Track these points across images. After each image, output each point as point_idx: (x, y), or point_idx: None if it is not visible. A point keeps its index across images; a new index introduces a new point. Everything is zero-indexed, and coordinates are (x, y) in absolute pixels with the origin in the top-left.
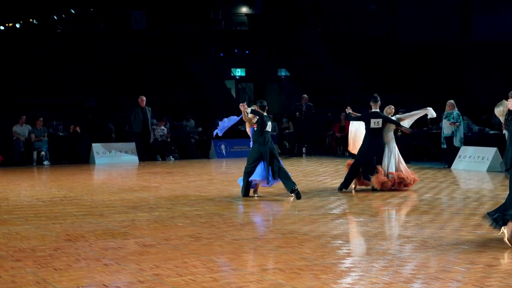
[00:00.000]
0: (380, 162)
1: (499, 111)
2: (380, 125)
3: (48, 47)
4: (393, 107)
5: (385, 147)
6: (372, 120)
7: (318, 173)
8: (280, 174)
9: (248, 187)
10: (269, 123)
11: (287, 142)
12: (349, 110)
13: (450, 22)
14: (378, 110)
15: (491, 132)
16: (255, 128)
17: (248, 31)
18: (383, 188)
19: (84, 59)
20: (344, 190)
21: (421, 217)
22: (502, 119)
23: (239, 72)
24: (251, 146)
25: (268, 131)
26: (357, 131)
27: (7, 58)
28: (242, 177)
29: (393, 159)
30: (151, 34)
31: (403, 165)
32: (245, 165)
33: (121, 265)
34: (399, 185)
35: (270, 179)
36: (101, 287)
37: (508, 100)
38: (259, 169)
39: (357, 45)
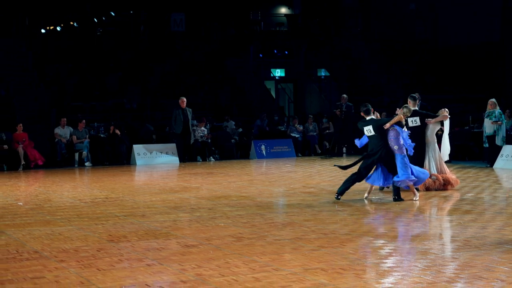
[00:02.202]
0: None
1: None
2: (419, 123)
3: (89, 49)
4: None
5: (426, 148)
6: (410, 119)
7: None
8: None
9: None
10: (365, 128)
11: (328, 142)
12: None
13: (490, 22)
14: (417, 108)
15: None
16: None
17: (287, 32)
18: (428, 189)
19: (125, 61)
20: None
21: (464, 216)
22: None
23: (278, 73)
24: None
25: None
26: None
27: (50, 60)
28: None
29: (434, 161)
30: (190, 36)
31: (444, 166)
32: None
33: (164, 265)
34: (444, 186)
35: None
36: (143, 287)
37: None
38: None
39: (398, 45)
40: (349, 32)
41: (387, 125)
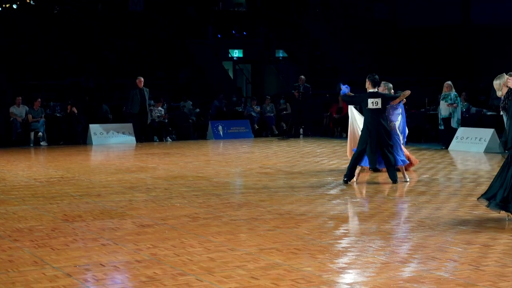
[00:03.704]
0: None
1: (497, 84)
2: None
3: (45, 29)
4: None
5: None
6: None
7: (315, 154)
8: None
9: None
10: (372, 100)
11: (285, 123)
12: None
13: (450, 5)
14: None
15: (489, 113)
16: None
17: (246, 12)
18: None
19: (82, 40)
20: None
21: (418, 197)
22: (498, 93)
23: (236, 53)
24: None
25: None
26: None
27: (4, 39)
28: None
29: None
30: (149, 16)
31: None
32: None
33: (119, 245)
34: (407, 165)
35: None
36: (98, 267)
37: (508, 79)
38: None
39: (358, 26)
40: (308, 13)
41: (397, 101)
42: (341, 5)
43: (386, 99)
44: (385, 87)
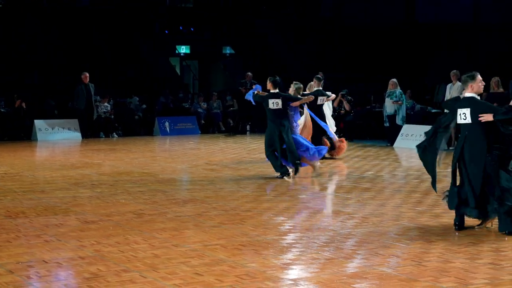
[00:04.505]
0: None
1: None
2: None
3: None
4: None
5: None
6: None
7: (262, 150)
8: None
9: None
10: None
11: (231, 119)
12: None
13: (394, 3)
14: (321, 88)
15: (433, 110)
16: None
17: (193, 8)
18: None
19: (27, 36)
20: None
21: (363, 194)
22: (455, 93)
23: (184, 49)
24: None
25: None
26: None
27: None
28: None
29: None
30: (94, 10)
31: None
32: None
33: (62, 241)
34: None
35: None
36: (41, 263)
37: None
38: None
39: (303, 23)
40: (254, 9)
41: (297, 103)
42: (288, 2)
43: (286, 100)
44: (293, 88)
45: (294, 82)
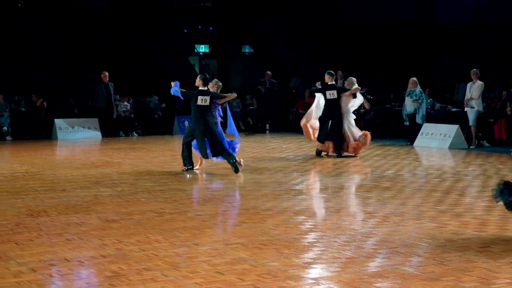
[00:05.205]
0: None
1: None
2: (336, 96)
3: (6, 23)
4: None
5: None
6: (328, 92)
7: (281, 150)
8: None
9: None
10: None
11: (251, 118)
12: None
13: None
14: (334, 83)
15: (453, 109)
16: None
17: (211, 7)
18: (357, 152)
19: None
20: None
21: (383, 193)
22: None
23: (202, 49)
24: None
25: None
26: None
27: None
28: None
29: (348, 129)
30: (113, 9)
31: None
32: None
33: (83, 240)
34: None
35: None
36: (63, 262)
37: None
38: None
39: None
40: (268, 11)
41: (222, 101)
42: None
43: (213, 97)
44: (214, 85)
45: (215, 80)
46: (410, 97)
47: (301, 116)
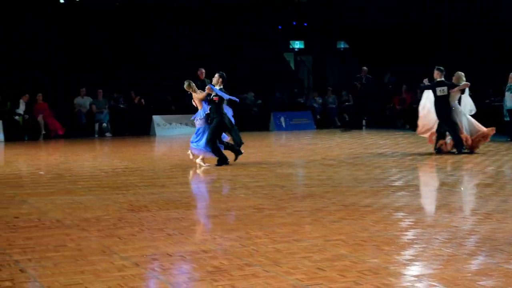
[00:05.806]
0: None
1: None
2: (446, 93)
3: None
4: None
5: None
6: (438, 89)
7: (378, 146)
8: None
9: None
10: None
11: (347, 114)
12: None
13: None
14: (443, 79)
15: None
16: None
17: (307, 3)
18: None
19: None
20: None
21: (485, 190)
22: None
23: (298, 45)
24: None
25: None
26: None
27: (67, 33)
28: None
29: (464, 123)
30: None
31: (475, 125)
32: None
33: (184, 235)
34: (472, 148)
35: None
36: (165, 256)
37: None
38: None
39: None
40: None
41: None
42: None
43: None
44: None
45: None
46: (510, 92)
47: (398, 112)
